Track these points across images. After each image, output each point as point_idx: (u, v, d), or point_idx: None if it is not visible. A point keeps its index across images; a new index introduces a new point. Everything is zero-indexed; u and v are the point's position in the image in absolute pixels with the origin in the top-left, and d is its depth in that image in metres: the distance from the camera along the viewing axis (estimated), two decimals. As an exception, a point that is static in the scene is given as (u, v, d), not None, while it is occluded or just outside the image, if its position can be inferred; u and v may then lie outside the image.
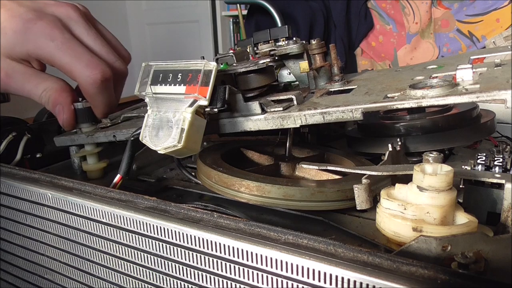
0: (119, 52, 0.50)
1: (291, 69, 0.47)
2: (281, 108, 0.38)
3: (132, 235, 0.31)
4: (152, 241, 0.30)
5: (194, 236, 0.27)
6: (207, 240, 0.27)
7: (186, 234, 0.28)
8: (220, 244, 0.26)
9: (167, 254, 0.29)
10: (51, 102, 0.47)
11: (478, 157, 0.36)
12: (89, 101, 0.48)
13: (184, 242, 0.28)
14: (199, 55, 0.46)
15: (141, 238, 0.30)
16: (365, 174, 0.32)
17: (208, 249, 0.27)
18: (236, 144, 0.49)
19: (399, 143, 0.41)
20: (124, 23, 3.16)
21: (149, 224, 0.29)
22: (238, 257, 0.26)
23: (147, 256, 0.31)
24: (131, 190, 0.33)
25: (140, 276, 0.32)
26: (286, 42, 0.46)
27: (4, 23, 0.44)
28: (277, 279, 0.25)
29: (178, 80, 0.35)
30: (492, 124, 0.47)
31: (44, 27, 0.44)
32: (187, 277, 0.29)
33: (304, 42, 0.45)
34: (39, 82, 0.47)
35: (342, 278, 0.22)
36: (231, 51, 0.45)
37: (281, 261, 0.24)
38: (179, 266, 0.29)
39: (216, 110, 0.36)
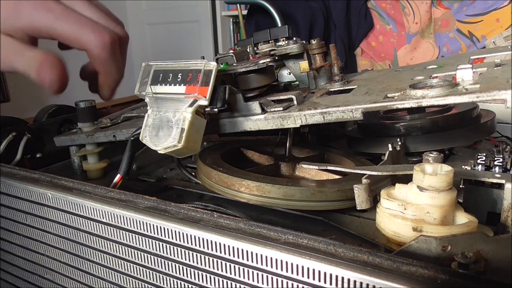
0: (114, 19, 0.49)
1: (291, 69, 0.47)
2: (281, 108, 0.38)
3: (132, 235, 0.31)
4: (152, 241, 0.30)
5: (194, 236, 0.27)
6: (207, 240, 0.27)
7: (186, 234, 0.28)
8: (220, 244, 0.26)
9: (167, 254, 0.29)
10: (34, 68, 0.43)
11: (478, 157, 0.36)
12: (100, 71, 0.45)
13: (184, 242, 0.28)
14: (199, 55, 0.46)
15: (141, 238, 0.30)
16: (365, 174, 0.32)
17: (208, 249, 0.27)
18: (236, 144, 0.49)
19: (399, 143, 0.41)
20: (124, 23, 3.15)
21: (149, 224, 0.29)
22: (238, 257, 0.26)
23: (147, 256, 0.31)
24: (131, 190, 0.33)
25: (140, 276, 0.32)
26: (286, 42, 0.46)
27: None
28: (277, 279, 0.25)
29: (178, 80, 0.35)
30: (492, 124, 0.47)
31: (36, 0, 0.43)
32: (187, 277, 0.29)
33: (304, 42, 0.45)
34: (24, 52, 0.43)
35: (342, 278, 0.22)
36: (231, 51, 0.45)
37: (281, 261, 0.24)
38: (179, 266, 0.29)
39: (216, 110, 0.36)
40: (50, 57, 0.44)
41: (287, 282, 0.24)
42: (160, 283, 0.31)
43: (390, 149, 0.38)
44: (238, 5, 1.83)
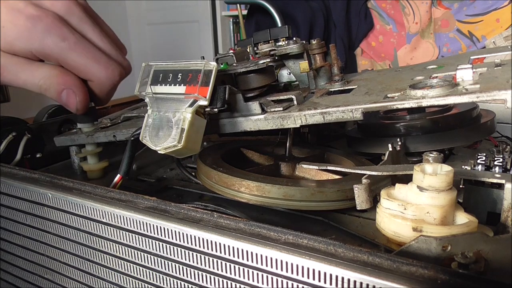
0: (120, 47, 0.48)
1: (291, 69, 0.47)
2: (281, 108, 0.38)
3: (132, 235, 0.31)
4: (152, 241, 0.30)
5: (194, 236, 0.27)
6: (207, 240, 0.27)
7: (186, 234, 0.28)
8: (220, 244, 0.26)
9: (167, 254, 0.29)
10: (53, 88, 0.43)
11: (478, 157, 0.36)
12: (97, 95, 0.46)
13: (184, 242, 0.28)
14: (199, 55, 0.46)
15: (141, 238, 0.30)
16: (365, 174, 0.32)
17: (208, 249, 0.27)
18: (236, 144, 0.49)
19: (399, 143, 0.41)
20: (124, 23, 3.16)
21: (149, 224, 0.29)
22: (238, 257, 0.26)
23: (147, 256, 0.31)
24: (131, 190, 0.33)
25: (140, 276, 0.32)
26: (286, 42, 0.46)
27: (3, 16, 0.41)
28: (277, 279, 0.25)
29: (178, 80, 0.35)
30: (492, 124, 0.47)
31: (51, 26, 0.41)
32: (187, 277, 0.29)
33: (304, 42, 0.45)
34: (34, 70, 0.43)
35: (342, 278, 0.22)
36: (231, 51, 0.45)
37: (281, 261, 0.24)
38: (179, 266, 0.29)
39: (216, 110, 0.36)
40: (71, 80, 0.43)
41: (287, 282, 0.24)
42: (160, 283, 0.31)
43: (390, 149, 0.38)
44: (238, 5, 1.83)
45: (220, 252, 0.26)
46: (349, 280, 0.22)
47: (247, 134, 0.46)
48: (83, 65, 0.42)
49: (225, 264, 0.27)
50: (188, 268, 0.29)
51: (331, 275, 0.22)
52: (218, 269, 0.27)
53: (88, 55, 0.42)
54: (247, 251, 0.25)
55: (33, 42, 0.42)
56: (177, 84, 0.35)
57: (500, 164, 0.35)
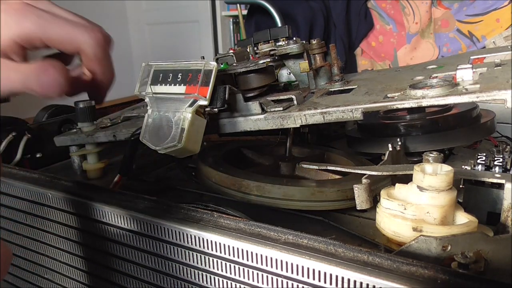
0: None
1: (291, 69, 0.47)
2: (281, 108, 0.38)
3: (132, 235, 0.31)
4: (152, 241, 0.30)
5: (194, 236, 0.27)
6: (207, 240, 0.27)
7: (186, 234, 0.28)
8: (220, 244, 0.26)
9: (167, 254, 0.29)
10: (36, 78, 0.38)
11: (478, 157, 0.36)
12: (96, 71, 0.42)
13: (184, 242, 0.28)
14: (199, 55, 0.46)
15: (141, 238, 0.30)
16: (365, 174, 0.32)
17: (208, 249, 0.27)
18: (236, 144, 0.49)
19: (399, 143, 0.41)
20: (124, 23, 3.16)
21: (149, 224, 0.29)
22: (238, 257, 0.26)
23: (147, 256, 0.31)
24: (131, 190, 0.33)
25: (140, 276, 0.32)
26: (286, 42, 0.45)
27: None
28: (277, 279, 0.25)
29: (178, 80, 0.35)
30: (492, 124, 0.47)
31: (23, 9, 0.42)
32: (187, 277, 0.29)
33: (304, 42, 0.45)
34: (19, 66, 0.41)
35: (342, 278, 0.22)
36: (231, 51, 0.45)
37: (281, 261, 0.24)
38: (179, 266, 0.29)
39: (216, 110, 0.36)
40: (48, 61, 0.42)
41: (287, 282, 0.24)
42: (160, 283, 0.31)
43: (390, 149, 0.38)
44: (238, 5, 1.83)
45: (220, 252, 0.26)
46: (349, 280, 0.22)
47: (247, 134, 0.46)
48: (65, 34, 0.41)
49: (225, 264, 0.27)
50: (188, 268, 0.29)
51: (331, 275, 0.22)
52: (218, 269, 0.27)
53: (66, 24, 0.42)
54: (247, 251, 0.25)
55: (12, 28, 0.41)
56: (177, 84, 0.35)
57: (500, 164, 0.35)
